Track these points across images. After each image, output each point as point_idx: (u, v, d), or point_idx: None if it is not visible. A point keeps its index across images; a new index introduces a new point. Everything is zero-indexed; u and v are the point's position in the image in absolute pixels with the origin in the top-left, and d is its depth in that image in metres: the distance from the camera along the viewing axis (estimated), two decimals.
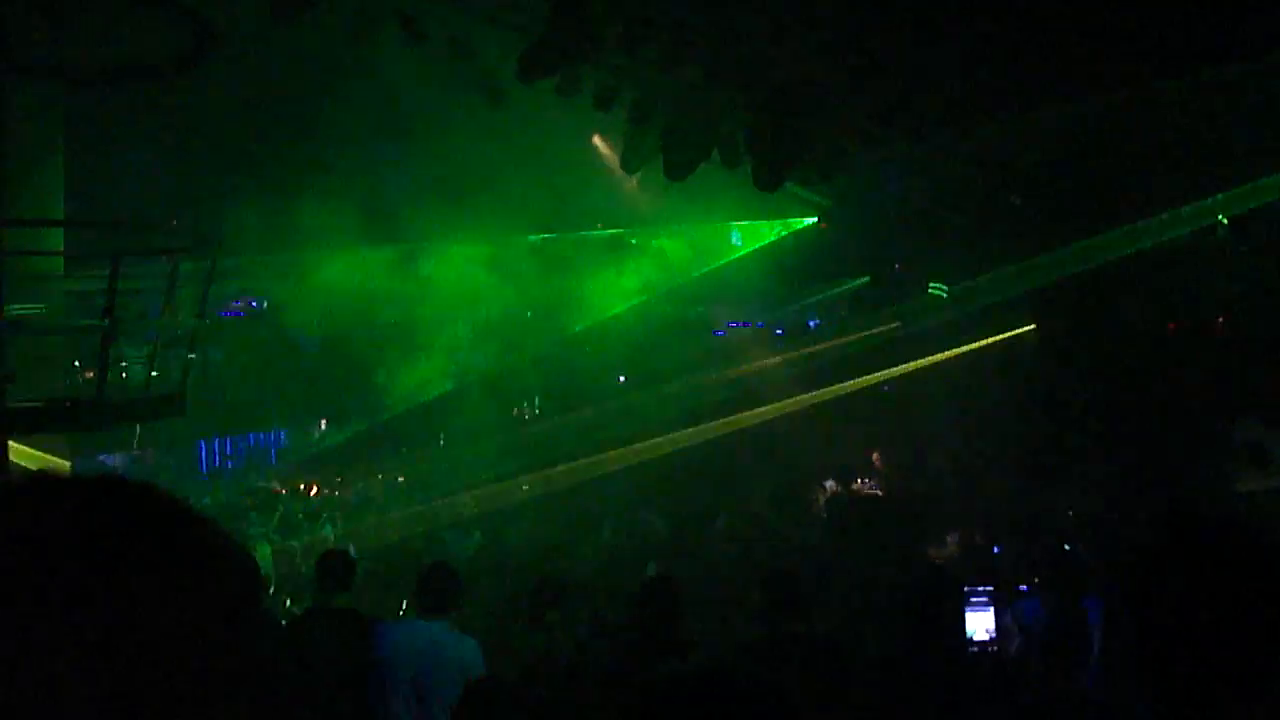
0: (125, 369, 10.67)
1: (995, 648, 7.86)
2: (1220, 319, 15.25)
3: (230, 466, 24.49)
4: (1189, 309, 15.10)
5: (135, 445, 21.45)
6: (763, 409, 22.04)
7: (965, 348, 20.62)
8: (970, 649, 7.79)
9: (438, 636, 7.02)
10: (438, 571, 7.36)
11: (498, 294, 22.38)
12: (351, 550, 11.78)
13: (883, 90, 12.85)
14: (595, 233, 22.83)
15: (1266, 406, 13.93)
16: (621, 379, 26.03)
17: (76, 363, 12.39)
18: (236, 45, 12.48)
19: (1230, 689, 1.81)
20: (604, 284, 22.96)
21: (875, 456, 19.97)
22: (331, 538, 16.77)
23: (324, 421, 25.32)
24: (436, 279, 21.62)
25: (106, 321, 8.71)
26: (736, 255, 23.24)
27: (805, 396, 22.00)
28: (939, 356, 20.95)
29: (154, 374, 10.14)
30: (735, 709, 1.80)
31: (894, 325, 21.86)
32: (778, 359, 23.85)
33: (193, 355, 10.39)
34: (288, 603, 13.14)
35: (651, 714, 1.78)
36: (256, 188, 17.47)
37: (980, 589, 8.03)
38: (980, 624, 7.95)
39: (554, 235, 22.28)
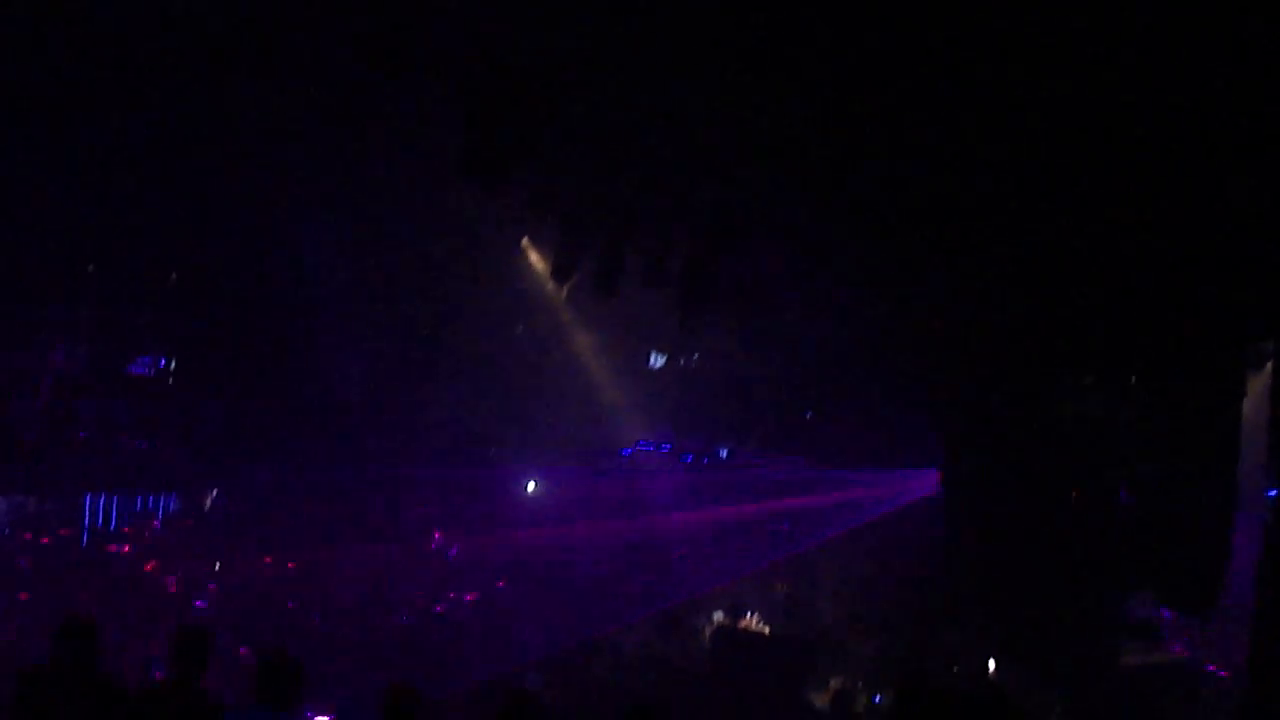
0: None
1: None
2: (1124, 491, 15.29)
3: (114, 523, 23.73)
4: (1097, 478, 15.10)
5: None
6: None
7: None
8: None
9: None
10: (278, 659, 6.93)
11: None
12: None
13: (813, 233, 12.86)
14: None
15: (1161, 584, 13.93)
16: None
17: None
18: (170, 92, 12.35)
19: None
20: None
21: (780, 587, 19.91)
22: None
23: (215, 491, 24.61)
24: None
25: None
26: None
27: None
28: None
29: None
30: None
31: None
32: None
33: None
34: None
35: None
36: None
37: None
38: None
39: None
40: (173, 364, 22.80)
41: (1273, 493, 12.34)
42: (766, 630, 17.80)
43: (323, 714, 11.08)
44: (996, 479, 15.14)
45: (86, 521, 22.98)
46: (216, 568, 19.75)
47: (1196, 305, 11.68)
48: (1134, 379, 13.90)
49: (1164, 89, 9.05)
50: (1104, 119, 9.55)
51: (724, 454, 24.95)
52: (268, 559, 20.64)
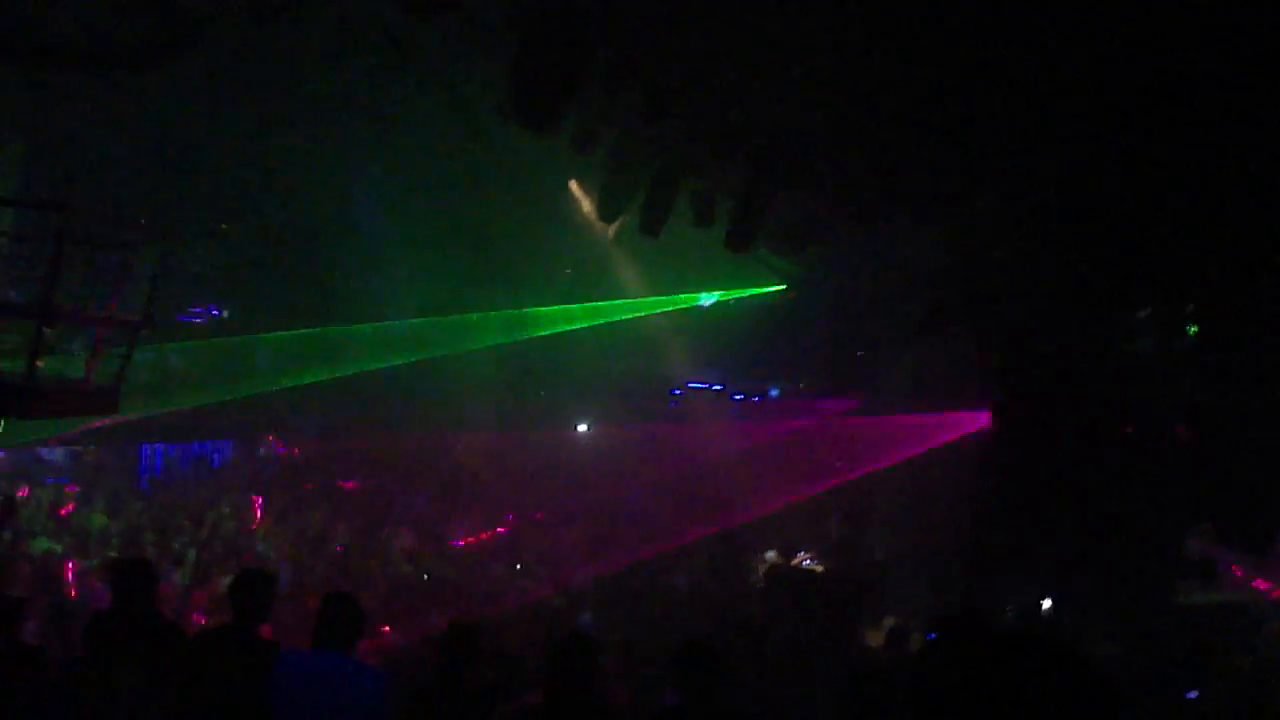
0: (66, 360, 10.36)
1: None
2: (1181, 429, 15.12)
3: (170, 474, 23.99)
4: (1151, 415, 14.94)
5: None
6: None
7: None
8: None
9: (342, 669, 6.70)
10: (338, 602, 6.94)
11: None
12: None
13: (869, 167, 12.74)
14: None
15: (1220, 522, 13.80)
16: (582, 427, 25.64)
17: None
18: (217, 42, 12.30)
19: None
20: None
21: (833, 526, 19.91)
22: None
23: (270, 438, 24.82)
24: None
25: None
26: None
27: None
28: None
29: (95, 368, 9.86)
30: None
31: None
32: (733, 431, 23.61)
33: (129, 352, 10.06)
34: None
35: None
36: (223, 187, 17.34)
37: None
38: None
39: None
40: (225, 314, 22.98)
41: None
42: (819, 569, 17.81)
43: (379, 653, 11.17)
44: (1050, 416, 15.03)
45: (144, 468, 23.28)
46: (270, 512, 19.94)
47: (1250, 239, 11.52)
48: (1189, 311, 13.75)
49: (1223, 23, 8.89)
50: (1160, 53, 9.40)
51: (775, 394, 24.88)
52: (324, 503, 20.83)
